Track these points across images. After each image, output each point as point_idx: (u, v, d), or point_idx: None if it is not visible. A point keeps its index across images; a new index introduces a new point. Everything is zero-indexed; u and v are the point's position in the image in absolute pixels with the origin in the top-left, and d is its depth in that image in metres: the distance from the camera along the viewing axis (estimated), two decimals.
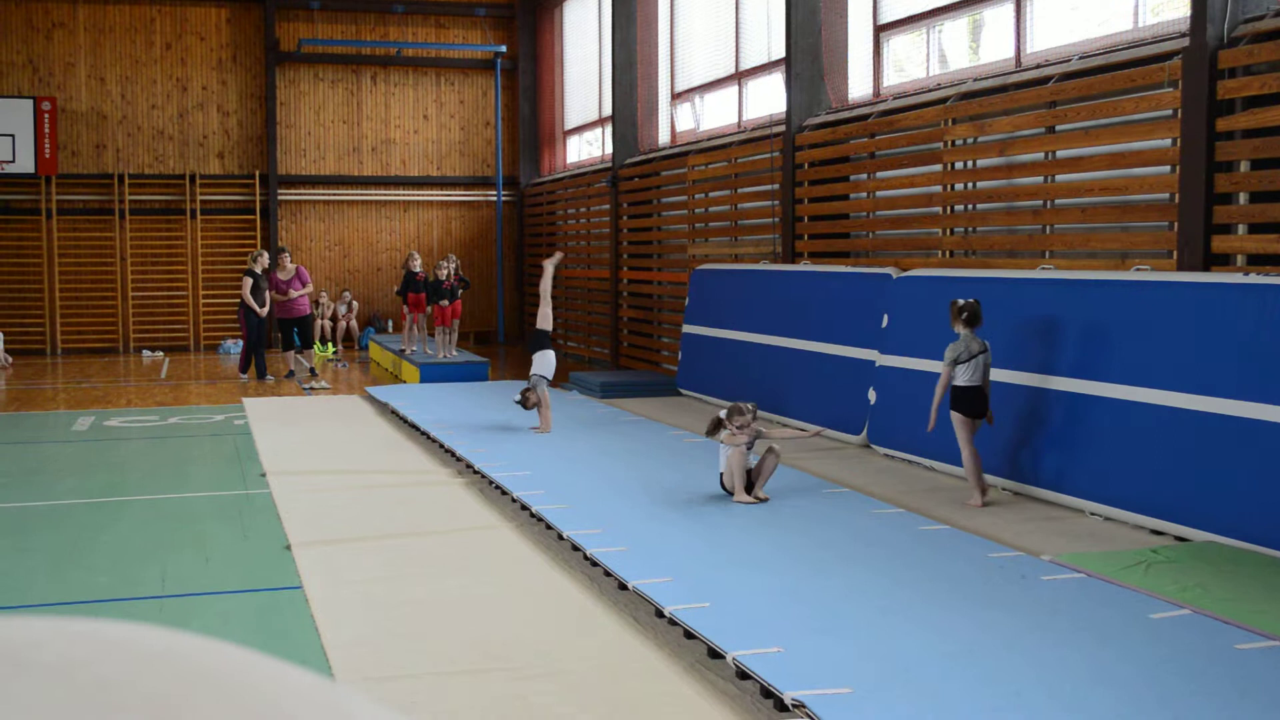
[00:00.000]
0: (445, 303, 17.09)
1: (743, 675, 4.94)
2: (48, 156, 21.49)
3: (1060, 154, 9.56)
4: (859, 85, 12.92)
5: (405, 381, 16.65)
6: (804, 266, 12.58)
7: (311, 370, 17.17)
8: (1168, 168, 8.55)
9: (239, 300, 17.27)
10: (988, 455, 8.98)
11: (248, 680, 0.52)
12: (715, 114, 16.57)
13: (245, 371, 17.30)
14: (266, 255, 17.38)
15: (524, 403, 11.10)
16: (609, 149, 19.61)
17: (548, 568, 6.94)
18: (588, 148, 22.10)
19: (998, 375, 8.98)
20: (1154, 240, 8.72)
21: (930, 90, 11.34)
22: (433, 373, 16.13)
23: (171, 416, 13.78)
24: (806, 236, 13.19)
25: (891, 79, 12.51)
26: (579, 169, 21.63)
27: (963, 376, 8.17)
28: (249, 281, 16.88)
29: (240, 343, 18.12)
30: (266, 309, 16.94)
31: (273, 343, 19.18)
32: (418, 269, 17.67)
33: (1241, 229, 8.03)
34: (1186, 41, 8.26)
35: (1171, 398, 7.50)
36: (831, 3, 13.00)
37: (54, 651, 0.50)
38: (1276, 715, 4.47)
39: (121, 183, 22.34)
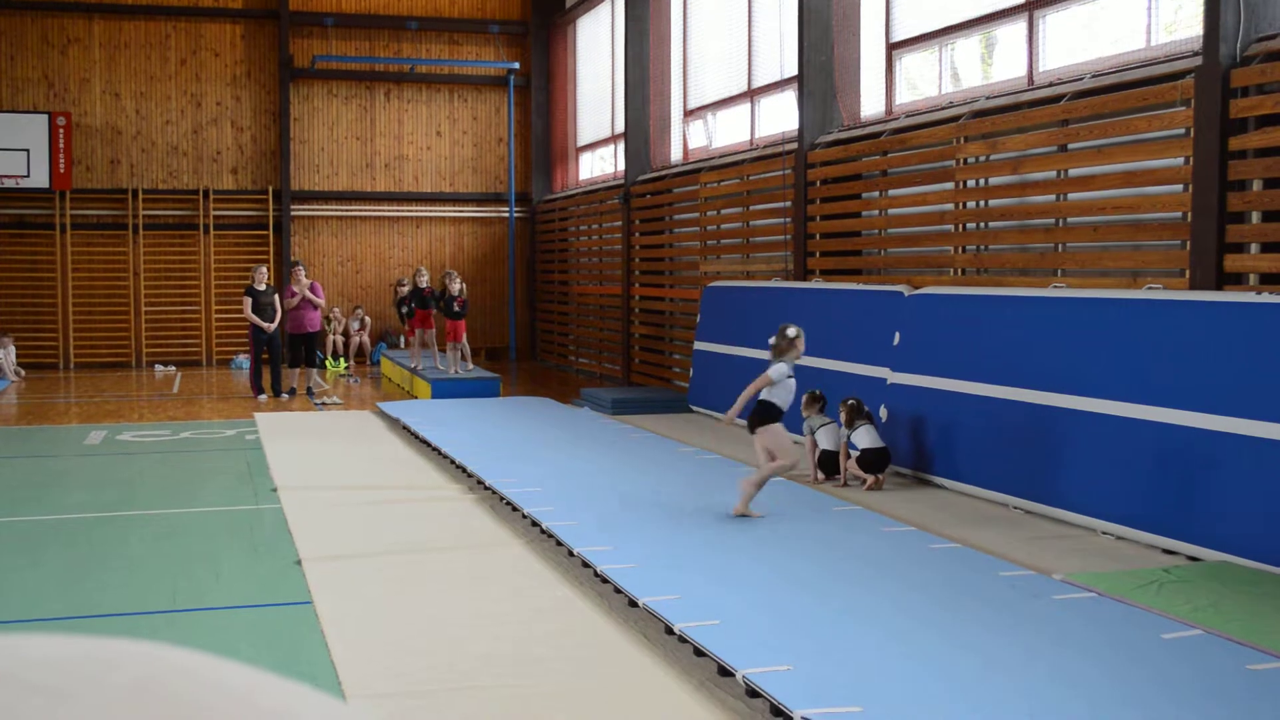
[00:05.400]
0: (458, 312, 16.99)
1: (752, 693, 4.93)
2: (62, 171, 21.59)
3: (1072, 172, 9.55)
4: (871, 103, 12.93)
5: (417, 397, 16.66)
6: (816, 284, 12.58)
7: (309, 390, 17.17)
8: (1180, 186, 8.54)
9: (246, 319, 17.19)
10: (999, 474, 8.97)
11: (256, 700, 0.52)
12: (728, 131, 16.59)
13: (260, 391, 17.16)
14: (265, 270, 17.31)
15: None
16: (621, 166, 19.65)
17: (558, 584, 6.93)
18: (600, 164, 22.14)
19: (1010, 393, 9.00)
20: (1166, 259, 8.70)
21: (942, 108, 11.35)
22: (445, 389, 16.14)
23: (183, 431, 13.81)
24: (818, 254, 13.19)
25: (904, 97, 12.52)
26: (591, 185, 21.66)
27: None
28: (249, 301, 16.85)
29: (249, 360, 18.03)
30: (275, 324, 16.90)
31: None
32: (425, 284, 17.67)
33: (1254, 248, 8.01)
34: (1199, 60, 8.25)
35: (1183, 416, 7.48)
36: (844, 21, 13.03)
37: (58, 671, 0.50)
38: None
39: (135, 198, 22.42)
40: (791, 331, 8.34)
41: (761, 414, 8.32)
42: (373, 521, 8.60)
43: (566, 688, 5.23)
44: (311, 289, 17.24)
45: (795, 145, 13.39)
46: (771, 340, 8.45)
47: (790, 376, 8.38)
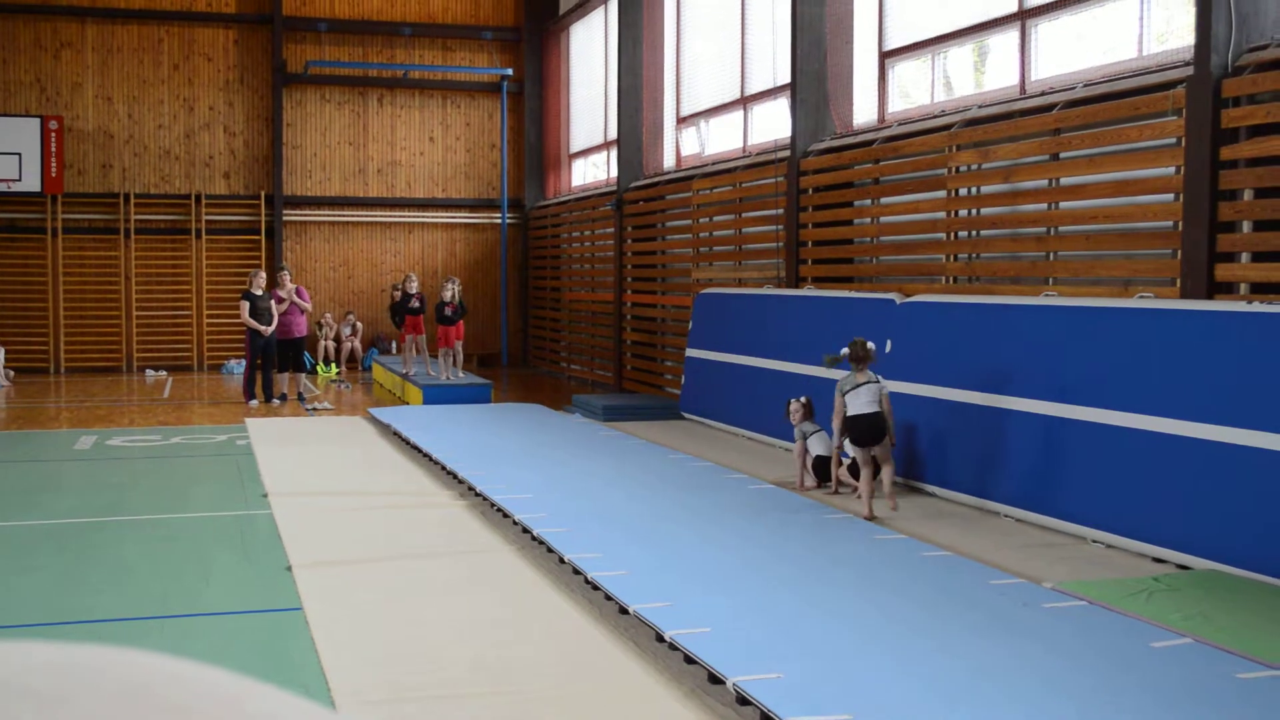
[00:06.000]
0: (450, 318, 16.97)
1: (743, 701, 4.92)
2: (54, 175, 21.56)
3: (1064, 181, 9.57)
4: (864, 111, 12.95)
5: (408, 403, 16.65)
6: (808, 291, 12.59)
7: (300, 395, 17.10)
8: (1171, 195, 8.55)
9: (244, 324, 17.14)
10: (990, 482, 8.97)
11: (245, 707, 0.52)
12: (720, 138, 16.61)
13: (252, 397, 17.07)
14: (263, 275, 17.26)
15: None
16: (614, 172, 19.66)
17: (548, 591, 6.93)
18: (593, 171, 22.15)
19: (1004, 402, 9.00)
20: (1157, 268, 8.72)
21: (935, 116, 11.37)
22: (435, 395, 16.13)
23: (174, 436, 13.78)
24: (810, 261, 13.20)
25: (896, 105, 12.54)
26: (584, 192, 21.67)
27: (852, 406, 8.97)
28: (246, 305, 16.80)
29: (244, 364, 17.99)
30: (271, 329, 16.85)
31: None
32: (415, 290, 17.66)
33: (1245, 257, 8.03)
34: (1191, 70, 8.28)
35: (1173, 425, 7.49)
36: (837, 28, 13.05)
37: (49, 677, 0.50)
38: None
39: (127, 202, 22.40)
40: (872, 345, 9.14)
41: (881, 426, 8.90)
42: (363, 527, 8.59)
43: (556, 695, 5.22)
44: (297, 293, 17.22)
45: (788, 153, 13.40)
46: (844, 352, 9.13)
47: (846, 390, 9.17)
